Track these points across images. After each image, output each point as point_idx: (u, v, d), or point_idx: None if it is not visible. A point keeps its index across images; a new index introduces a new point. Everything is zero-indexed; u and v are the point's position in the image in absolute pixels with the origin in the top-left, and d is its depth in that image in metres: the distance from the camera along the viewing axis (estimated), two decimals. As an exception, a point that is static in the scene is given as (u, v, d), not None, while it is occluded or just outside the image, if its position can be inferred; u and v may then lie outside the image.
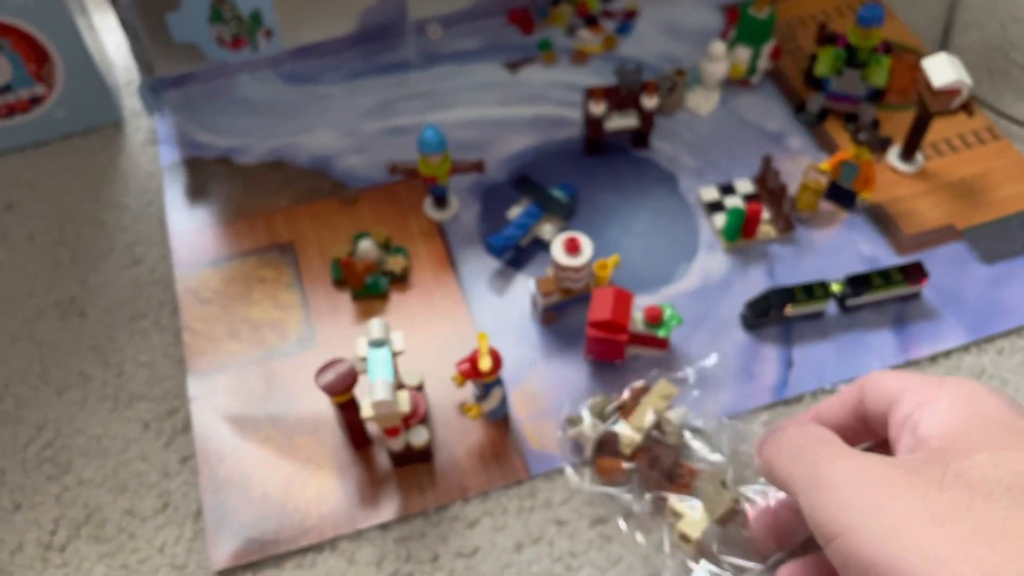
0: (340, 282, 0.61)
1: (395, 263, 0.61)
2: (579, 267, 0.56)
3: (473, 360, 0.51)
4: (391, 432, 0.50)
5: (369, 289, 0.60)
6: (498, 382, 0.52)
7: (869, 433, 0.33)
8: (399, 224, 0.65)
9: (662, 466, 0.50)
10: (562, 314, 0.59)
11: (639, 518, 0.50)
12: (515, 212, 0.64)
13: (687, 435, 0.52)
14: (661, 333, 0.55)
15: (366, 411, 0.47)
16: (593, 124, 0.66)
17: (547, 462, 0.53)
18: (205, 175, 0.68)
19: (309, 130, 0.71)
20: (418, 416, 0.53)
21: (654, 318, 0.55)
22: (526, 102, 0.72)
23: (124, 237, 0.65)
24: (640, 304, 0.59)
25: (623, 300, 0.55)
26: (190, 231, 0.65)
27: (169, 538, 0.52)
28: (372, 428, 0.54)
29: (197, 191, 0.67)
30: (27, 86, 0.67)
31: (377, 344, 0.49)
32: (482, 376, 0.51)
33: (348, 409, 0.51)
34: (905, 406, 0.27)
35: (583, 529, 0.51)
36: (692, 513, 0.47)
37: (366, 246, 0.60)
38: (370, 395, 0.47)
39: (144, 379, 0.58)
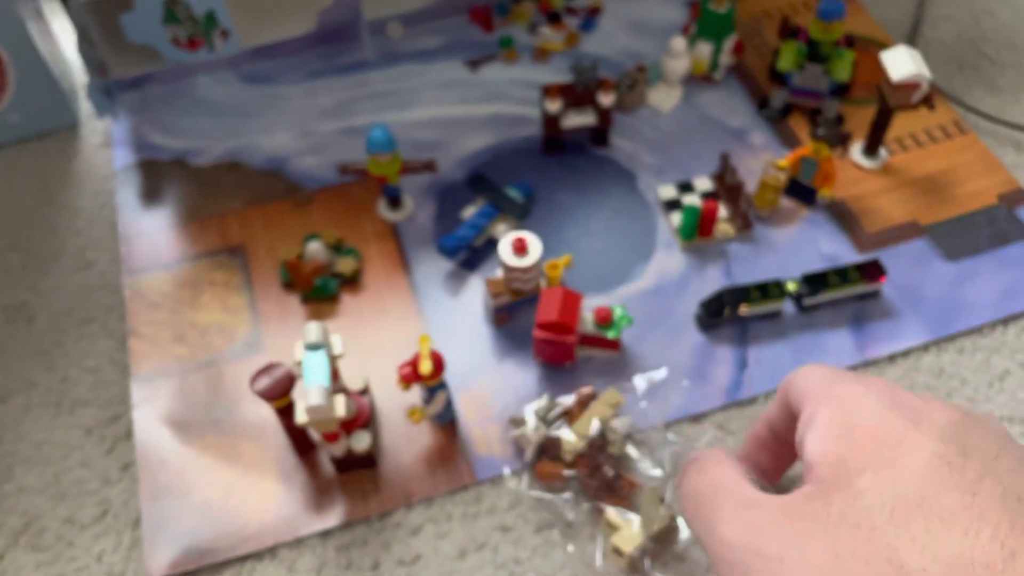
0: (289, 285, 0.60)
1: (345, 265, 0.60)
2: (527, 268, 0.54)
3: (414, 363, 0.50)
4: (330, 437, 0.49)
5: (318, 291, 0.59)
6: (442, 386, 0.51)
7: None
8: (352, 225, 0.64)
9: (602, 476, 0.49)
10: (514, 315, 0.58)
11: (573, 526, 0.49)
12: (470, 212, 0.63)
13: (630, 447, 0.50)
14: (611, 334, 0.54)
15: (300, 416, 0.46)
16: (550, 122, 0.65)
17: (493, 467, 0.52)
18: (159, 177, 0.67)
19: (265, 131, 0.70)
20: (361, 420, 0.52)
21: (604, 319, 0.54)
22: (486, 100, 0.71)
23: (76, 241, 0.65)
24: (594, 304, 0.58)
25: (571, 301, 0.53)
26: (142, 234, 0.64)
27: (107, 546, 0.51)
28: (314, 433, 0.53)
29: (150, 194, 0.67)
30: (-23, 89, 0.66)
31: (313, 347, 0.48)
32: (424, 380, 0.50)
33: (286, 414, 0.50)
34: (802, 420, 0.26)
35: (528, 535, 0.50)
36: (628, 527, 0.46)
37: (315, 248, 0.59)
38: (304, 400, 0.46)
39: (89, 385, 0.57)
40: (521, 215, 0.63)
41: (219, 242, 0.63)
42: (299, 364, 0.48)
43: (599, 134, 0.67)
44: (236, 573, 0.49)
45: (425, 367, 0.49)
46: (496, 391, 0.55)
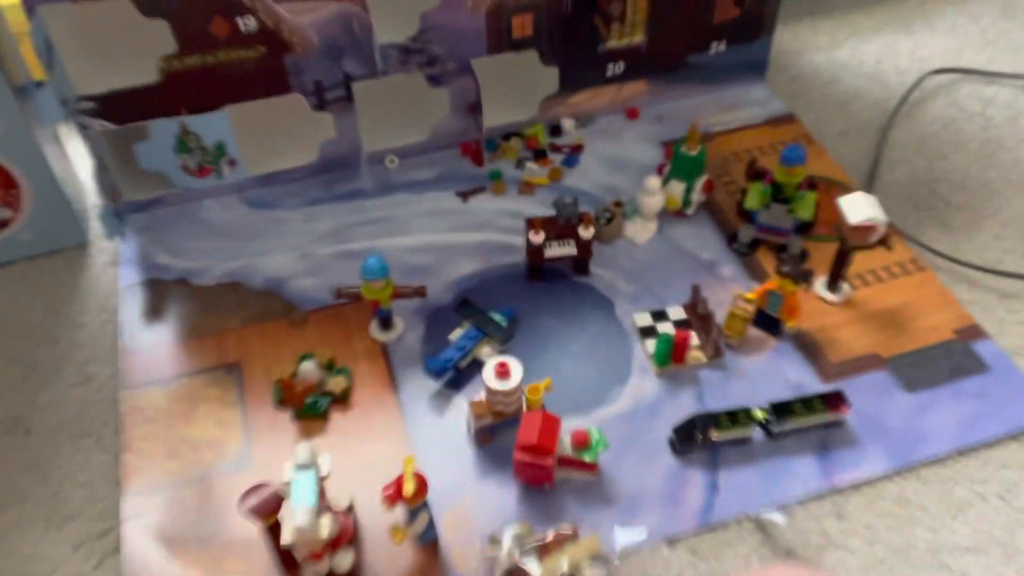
0: (282, 402, 0.63)
1: (336, 384, 0.63)
2: (509, 391, 0.57)
3: (398, 484, 0.52)
4: (314, 556, 0.50)
5: (309, 409, 0.62)
6: (424, 506, 0.53)
7: None
8: (345, 345, 0.67)
9: None
10: (497, 436, 0.61)
11: None
12: (456, 335, 0.66)
13: None
14: (588, 457, 0.57)
15: (286, 536, 0.48)
16: (534, 252, 0.69)
17: (472, 588, 0.53)
18: (162, 295, 0.71)
19: (266, 253, 0.74)
20: (345, 539, 0.53)
21: (581, 442, 0.57)
22: (474, 229, 0.76)
23: (78, 355, 0.67)
24: (572, 426, 0.61)
25: (550, 424, 0.56)
26: (142, 350, 0.67)
27: (87, 665, 0.51)
28: (298, 553, 0.54)
29: (153, 311, 0.70)
30: (-4, 210, 0.70)
31: (303, 468, 0.50)
32: (407, 501, 0.52)
33: (273, 532, 0.51)
34: None
35: (505, 659, 0.51)
36: None
37: (308, 367, 0.62)
38: (290, 520, 0.48)
39: (80, 499, 0.58)
40: (505, 339, 0.66)
41: (216, 359, 0.66)
42: (287, 484, 0.50)
43: (580, 263, 0.71)
44: None
45: (408, 488, 0.51)
46: (477, 511, 0.57)
